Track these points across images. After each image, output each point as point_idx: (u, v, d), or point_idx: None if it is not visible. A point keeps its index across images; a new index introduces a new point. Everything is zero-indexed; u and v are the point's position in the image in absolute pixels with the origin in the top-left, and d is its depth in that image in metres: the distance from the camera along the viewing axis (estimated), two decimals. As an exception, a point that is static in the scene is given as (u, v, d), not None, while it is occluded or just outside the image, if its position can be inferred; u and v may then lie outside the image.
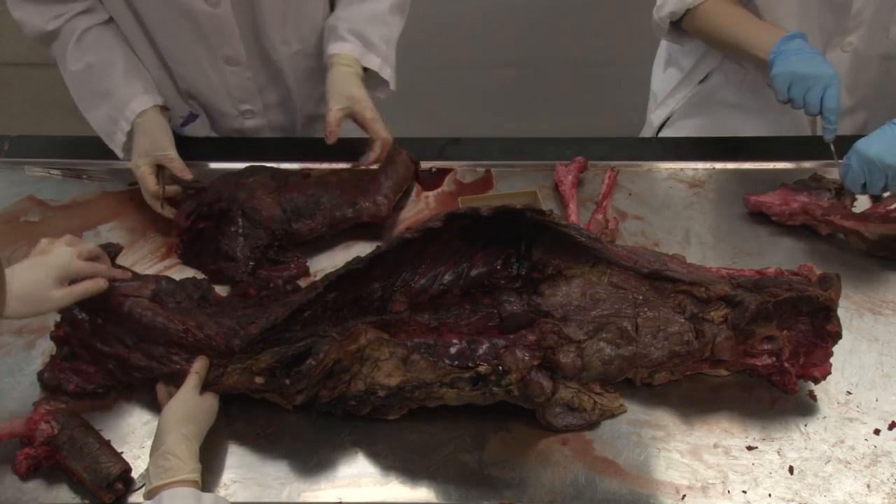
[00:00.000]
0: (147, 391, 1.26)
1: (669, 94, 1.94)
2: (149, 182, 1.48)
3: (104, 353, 1.25)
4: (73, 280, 1.20)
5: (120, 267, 1.31)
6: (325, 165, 1.62)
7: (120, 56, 1.54)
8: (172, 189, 1.50)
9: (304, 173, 1.57)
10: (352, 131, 1.85)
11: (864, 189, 1.47)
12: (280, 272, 1.43)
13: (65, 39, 1.53)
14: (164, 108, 1.56)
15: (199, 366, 1.19)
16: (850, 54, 1.67)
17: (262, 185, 1.50)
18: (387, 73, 1.61)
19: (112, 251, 1.33)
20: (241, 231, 1.44)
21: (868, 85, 1.74)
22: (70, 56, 1.53)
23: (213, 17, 1.49)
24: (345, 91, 1.52)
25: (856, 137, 1.75)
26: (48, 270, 1.17)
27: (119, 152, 1.56)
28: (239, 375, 1.19)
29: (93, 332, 1.26)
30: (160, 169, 1.50)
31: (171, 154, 1.50)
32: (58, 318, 1.29)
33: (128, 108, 1.51)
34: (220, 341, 1.21)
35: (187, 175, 1.49)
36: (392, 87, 1.65)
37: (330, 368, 1.16)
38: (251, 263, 1.42)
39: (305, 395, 1.18)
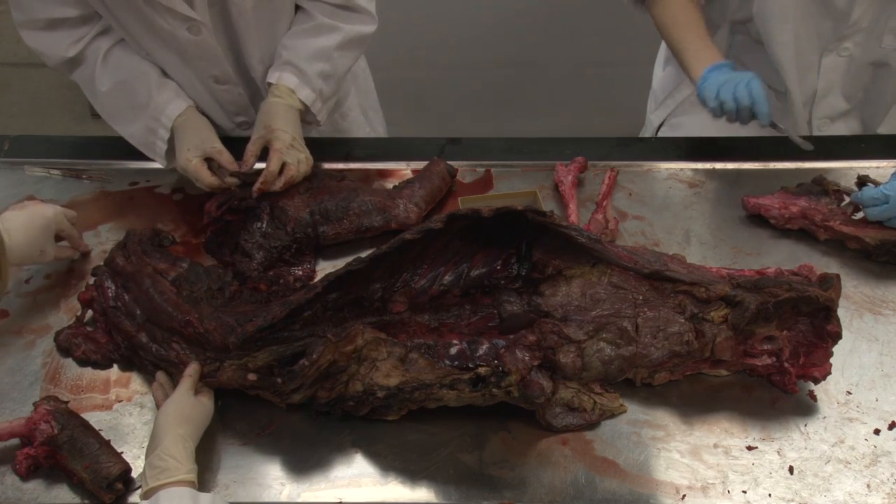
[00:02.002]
0: (146, 391, 1.27)
1: (670, 94, 1.94)
2: (204, 174, 1.48)
3: (115, 323, 1.29)
4: (58, 238, 1.39)
5: (170, 252, 1.41)
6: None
7: (149, 68, 1.55)
8: (232, 181, 1.50)
9: (341, 175, 1.57)
10: (345, 131, 1.86)
11: (881, 221, 1.45)
12: (288, 274, 1.43)
13: (90, 63, 1.53)
14: (197, 108, 1.58)
15: (191, 369, 1.19)
16: (845, 59, 1.69)
17: (297, 183, 1.50)
18: (317, 108, 1.59)
19: (166, 240, 1.42)
20: (263, 229, 1.45)
21: (861, 90, 1.76)
22: (98, 77, 1.53)
23: (196, 43, 1.50)
24: (265, 121, 1.51)
25: (852, 138, 1.76)
26: (47, 227, 1.35)
27: (162, 161, 1.57)
28: (234, 371, 1.19)
29: (113, 301, 1.30)
30: (209, 162, 1.50)
31: (218, 146, 1.50)
32: (91, 280, 1.39)
33: (163, 115, 1.52)
34: (216, 337, 1.21)
35: (235, 167, 1.50)
36: (321, 121, 1.63)
37: (326, 369, 1.16)
38: (264, 263, 1.42)
39: (302, 394, 1.18)
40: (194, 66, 1.55)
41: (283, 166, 1.47)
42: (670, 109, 1.95)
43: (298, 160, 1.48)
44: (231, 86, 1.62)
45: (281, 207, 1.46)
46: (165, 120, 1.52)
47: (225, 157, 1.50)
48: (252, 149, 1.50)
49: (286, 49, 1.57)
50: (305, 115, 1.59)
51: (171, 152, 1.56)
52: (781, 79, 1.74)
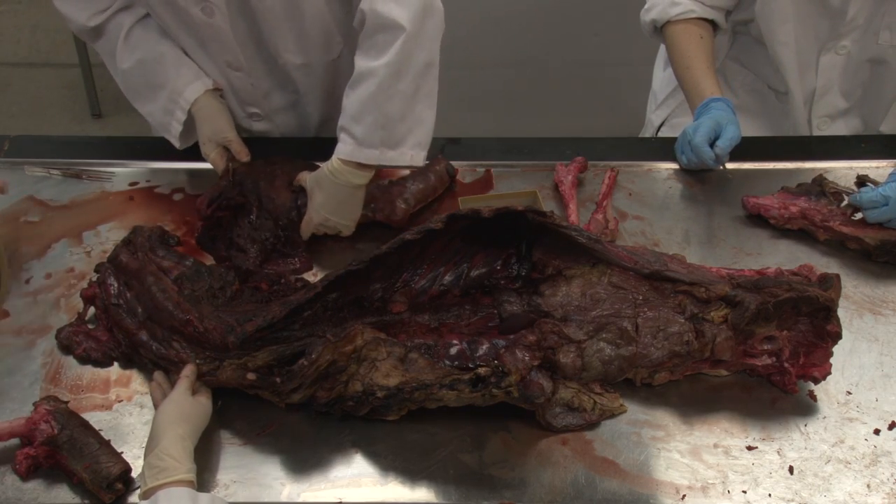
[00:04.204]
0: (147, 391, 1.27)
1: (670, 94, 1.94)
2: (219, 167, 1.53)
3: (116, 321, 1.29)
4: None
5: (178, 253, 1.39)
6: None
7: (168, 48, 1.55)
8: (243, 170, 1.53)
9: None
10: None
11: (881, 223, 1.45)
12: (285, 266, 1.44)
13: (112, 38, 1.55)
14: (216, 90, 1.58)
15: (188, 370, 1.19)
16: (843, 57, 1.69)
17: (285, 173, 1.51)
18: (388, 157, 1.42)
19: (172, 240, 1.42)
20: (253, 222, 1.46)
21: (860, 88, 1.76)
22: (120, 55, 1.55)
23: (209, 25, 1.49)
24: (311, 184, 1.45)
25: (852, 138, 1.76)
26: None
27: (176, 143, 1.59)
28: (233, 371, 1.19)
29: (115, 298, 1.30)
30: (229, 151, 1.53)
31: (230, 136, 1.53)
32: (94, 277, 1.37)
33: (181, 98, 1.54)
34: (216, 336, 1.21)
35: (245, 156, 1.52)
36: (415, 163, 1.46)
37: (325, 369, 1.16)
38: (259, 256, 1.44)
39: (301, 394, 1.18)
40: (208, 49, 1.55)
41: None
42: (671, 109, 1.95)
43: (327, 232, 1.48)
44: (244, 73, 1.60)
45: (269, 198, 1.47)
46: (183, 102, 1.54)
47: (235, 147, 1.53)
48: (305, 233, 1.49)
49: (342, 113, 1.46)
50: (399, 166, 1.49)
51: (185, 134, 1.58)
52: (782, 79, 1.74)
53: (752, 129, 1.84)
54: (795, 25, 1.65)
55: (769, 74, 1.81)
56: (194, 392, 1.18)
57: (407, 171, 1.57)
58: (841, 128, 1.82)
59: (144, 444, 1.17)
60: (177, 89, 1.54)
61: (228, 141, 1.53)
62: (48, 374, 1.29)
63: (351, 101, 1.43)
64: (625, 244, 1.41)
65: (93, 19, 1.53)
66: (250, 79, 1.62)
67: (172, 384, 1.19)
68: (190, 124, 1.57)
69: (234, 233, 1.46)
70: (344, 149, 1.42)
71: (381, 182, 1.55)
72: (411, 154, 1.45)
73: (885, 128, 1.80)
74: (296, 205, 1.47)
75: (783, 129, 1.85)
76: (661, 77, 2.02)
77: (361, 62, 1.43)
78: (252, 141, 1.69)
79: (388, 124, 1.42)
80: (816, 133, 1.82)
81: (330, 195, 1.44)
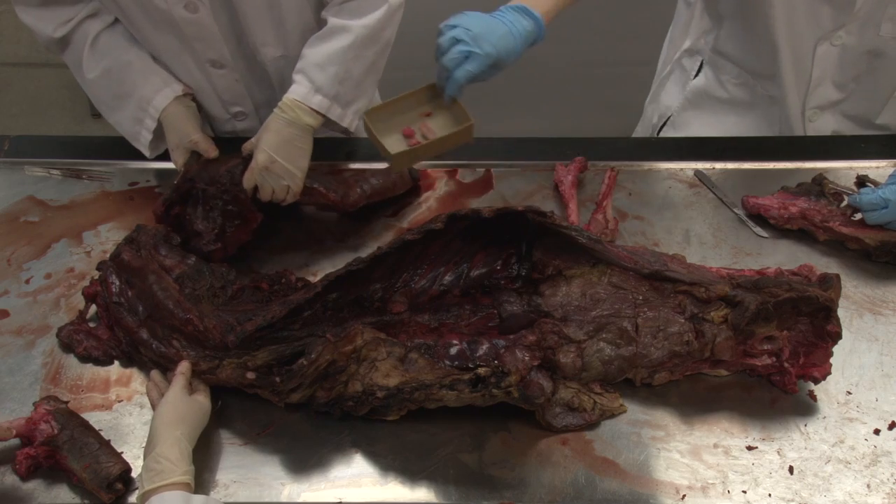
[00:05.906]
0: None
1: (670, 94, 1.94)
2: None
3: (118, 319, 1.29)
4: None
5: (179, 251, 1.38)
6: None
7: (134, 56, 1.54)
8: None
9: None
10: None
11: (880, 225, 1.44)
12: (244, 228, 1.44)
13: (77, 47, 1.53)
14: (186, 95, 1.56)
15: (183, 367, 1.19)
16: (838, 49, 1.65)
17: (238, 157, 1.47)
18: (336, 114, 1.48)
19: (174, 240, 1.40)
20: (201, 202, 1.44)
21: (854, 80, 1.73)
22: (86, 63, 1.53)
23: (193, 22, 1.48)
24: (259, 133, 1.45)
25: (852, 138, 1.75)
26: None
27: (146, 152, 1.58)
28: (233, 370, 1.19)
29: (117, 297, 1.30)
30: (199, 156, 1.51)
31: (195, 137, 1.50)
32: (95, 275, 1.37)
33: (151, 107, 1.52)
34: (216, 335, 1.21)
35: (213, 153, 1.50)
36: (347, 126, 1.52)
37: (325, 369, 1.16)
38: (215, 230, 1.42)
39: (300, 394, 1.18)
40: (191, 48, 1.54)
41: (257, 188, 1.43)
42: (671, 110, 1.95)
43: (274, 188, 1.43)
44: (228, 70, 1.59)
45: (216, 170, 1.44)
46: (153, 111, 1.52)
47: (202, 146, 1.50)
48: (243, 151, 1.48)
49: (300, 59, 1.50)
50: (331, 125, 1.52)
51: (154, 142, 1.57)
52: (769, 68, 1.71)
53: (743, 122, 1.82)
54: (795, 13, 1.62)
55: (755, 65, 1.77)
56: (192, 391, 1.18)
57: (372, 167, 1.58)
58: (832, 119, 1.79)
59: (144, 444, 1.17)
60: (146, 97, 1.52)
61: (194, 142, 1.49)
62: (48, 374, 1.29)
63: (317, 50, 1.47)
64: (625, 244, 1.41)
65: (59, 30, 1.51)
66: (234, 74, 1.61)
67: (170, 382, 1.19)
68: (159, 132, 1.55)
69: (187, 222, 1.44)
70: (299, 90, 1.45)
71: (342, 173, 1.55)
72: (350, 119, 1.52)
73: (882, 121, 1.78)
74: (243, 165, 1.42)
75: (776, 119, 1.83)
76: (662, 77, 2.01)
77: (336, 20, 1.47)
78: (236, 141, 1.68)
79: (346, 81, 1.47)
80: (808, 124, 1.80)
81: (276, 132, 1.42)
